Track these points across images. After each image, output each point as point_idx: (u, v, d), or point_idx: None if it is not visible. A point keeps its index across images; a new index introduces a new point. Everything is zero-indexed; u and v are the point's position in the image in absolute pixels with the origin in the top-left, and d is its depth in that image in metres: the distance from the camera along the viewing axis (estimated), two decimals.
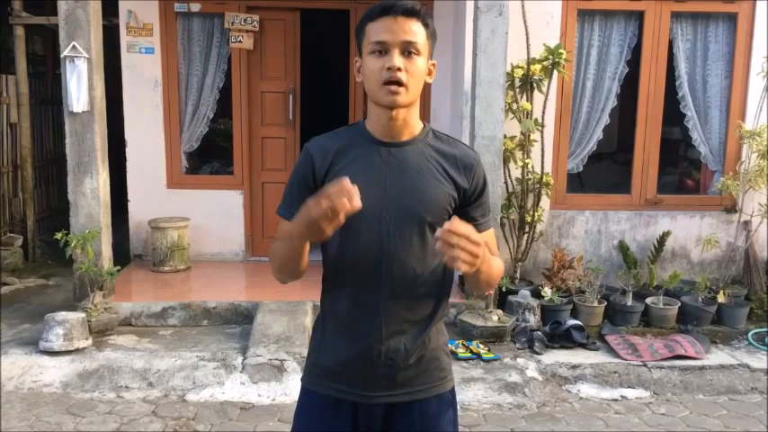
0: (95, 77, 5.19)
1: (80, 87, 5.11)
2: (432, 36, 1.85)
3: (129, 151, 6.61)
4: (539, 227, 5.84)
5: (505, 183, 5.68)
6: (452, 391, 2.01)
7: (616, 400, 4.56)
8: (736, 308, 5.52)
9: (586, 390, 4.64)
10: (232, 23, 6.46)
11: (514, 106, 5.59)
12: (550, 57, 5.51)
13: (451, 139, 1.96)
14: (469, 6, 5.48)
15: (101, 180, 5.28)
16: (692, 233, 6.09)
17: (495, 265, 1.88)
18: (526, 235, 5.76)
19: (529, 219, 5.69)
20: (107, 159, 5.44)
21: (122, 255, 6.37)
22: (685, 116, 6.15)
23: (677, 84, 6.11)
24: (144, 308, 5.38)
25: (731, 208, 6.02)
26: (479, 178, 1.92)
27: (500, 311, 5.34)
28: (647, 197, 6.14)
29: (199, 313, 5.40)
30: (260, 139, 6.82)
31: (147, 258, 6.58)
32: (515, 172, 5.73)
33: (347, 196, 1.59)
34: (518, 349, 5.06)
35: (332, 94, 8.31)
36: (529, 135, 5.60)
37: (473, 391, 4.44)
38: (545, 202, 5.89)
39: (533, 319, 5.31)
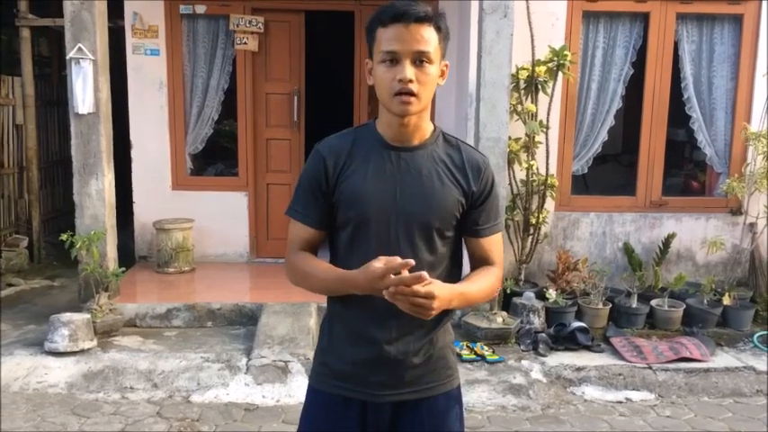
0: (101, 79, 5.21)
1: (86, 89, 5.12)
2: (444, 38, 1.83)
3: (134, 153, 6.63)
4: (543, 229, 5.83)
5: (510, 184, 5.67)
6: (459, 388, 2.03)
7: (621, 402, 4.55)
8: (741, 310, 5.50)
9: (591, 392, 4.63)
10: (237, 25, 6.47)
11: (519, 108, 5.59)
12: (555, 58, 5.50)
13: (461, 142, 1.96)
14: (474, 8, 5.47)
15: (106, 181, 5.29)
16: (697, 235, 6.07)
17: (478, 291, 1.88)
18: (531, 237, 5.75)
19: (533, 220, 5.68)
20: (112, 161, 5.45)
21: (127, 256, 6.39)
22: (691, 118, 6.13)
23: (682, 85, 6.09)
24: (149, 309, 5.39)
25: (737, 210, 6.00)
26: (487, 182, 1.93)
27: (504, 313, 5.34)
28: (652, 199, 6.12)
29: (203, 314, 5.41)
30: (265, 140, 6.83)
31: (152, 259, 6.59)
32: (520, 174, 5.72)
33: (401, 269, 1.66)
34: (522, 351, 5.05)
35: (337, 95, 8.31)
36: (534, 137, 5.59)
37: (477, 393, 4.43)
38: (550, 204, 5.87)
39: (538, 321, 5.30)
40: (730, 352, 5.22)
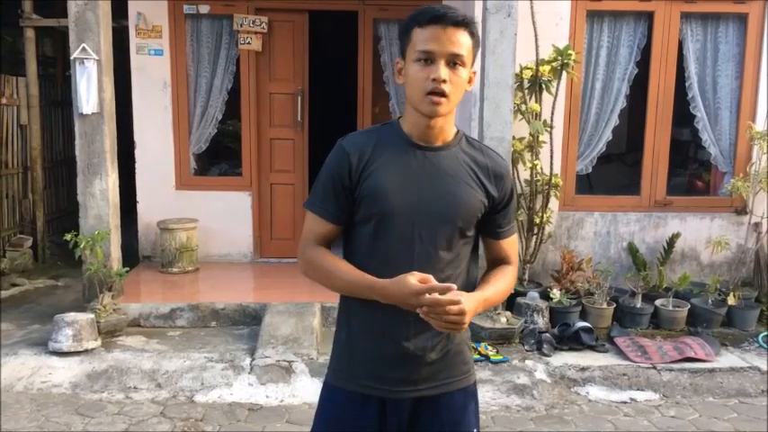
0: (105, 79, 5.22)
1: (90, 89, 5.13)
2: (476, 45, 1.87)
3: (138, 153, 6.64)
4: (547, 228, 5.82)
5: (514, 184, 5.65)
6: (475, 384, 2.06)
7: (625, 402, 4.53)
8: (746, 310, 5.48)
9: (595, 392, 4.62)
10: (241, 25, 6.48)
11: (523, 107, 5.58)
12: (559, 58, 5.49)
13: (484, 146, 2.01)
14: (478, 7, 5.46)
15: (110, 181, 5.30)
16: (701, 235, 6.05)
17: (498, 293, 1.96)
18: (535, 236, 5.74)
19: (538, 220, 5.67)
20: (116, 161, 5.46)
21: (131, 256, 6.40)
22: (695, 117, 6.12)
23: (687, 84, 6.07)
24: (152, 309, 5.40)
25: (741, 209, 5.98)
26: (508, 187, 1.98)
27: (508, 313, 5.33)
28: (656, 198, 6.11)
29: (207, 314, 5.41)
30: (268, 140, 6.83)
31: (156, 259, 6.60)
32: (524, 173, 5.72)
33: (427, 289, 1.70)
34: (527, 351, 5.04)
35: (341, 95, 8.30)
36: (538, 136, 5.58)
37: (481, 393, 4.41)
38: (554, 204, 5.87)
39: (542, 321, 5.29)
40: (735, 352, 5.20)
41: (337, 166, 1.90)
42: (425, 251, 1.85)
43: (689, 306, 5.50)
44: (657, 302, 5.52)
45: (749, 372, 4.85)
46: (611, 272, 5.67)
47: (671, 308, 5.48)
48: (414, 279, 1.72)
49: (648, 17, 5.94)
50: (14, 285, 6.41)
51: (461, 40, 1.80)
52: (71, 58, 5.16)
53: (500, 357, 4.87)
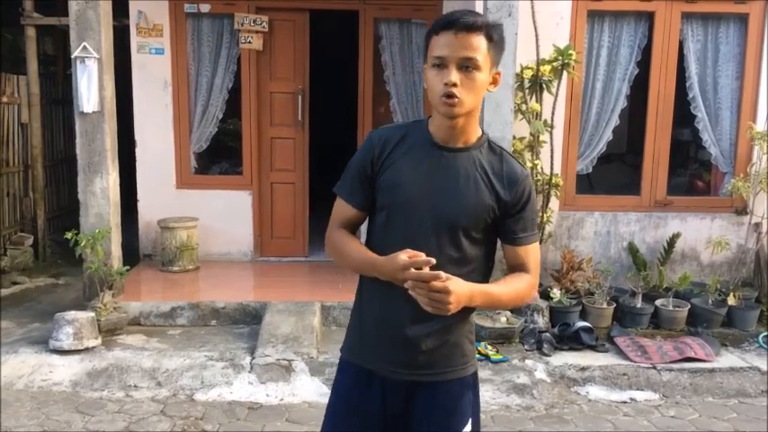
0: (106, 78, 5.22)
1: (90, 88, 5.14)
2: (496, 46, 1.91)
3: (138, 151, 6.64)
4: (548, 228, 5.83)
5: (533, 193, 5.64)
6: (474, 375, 2.13)
7: (625, 402, 4.54)
8: (746, 310, 5.48)
9: (595, 392, 4.63)
10: (242, 24, 6.48)
11: (524, 107, 5.58)
12: (560, 58, 5.49)
13: (505, 152, 2.05)
14: (479, 7, 5.46)
15: (111, 180, 5.31)
16: (702, 235, 6.05)
17: (504, 293, 1.97)
18: None
19: (538, 220, 5.67)
20: (117, 159, 5.47)
21: (132, 254, 6.40)
22: (696, 117, 6.11)
23: (688, 85, 6.07)
24: (153, 307, 5.40)
25: (742, 210, 5.98)
26: (523, 194, 2.01)
27: (508, 313, 5.32)
28: (656, 199, 6.11)
29: (207, 313, 5.41)
30: (269, 139, 6.83)
31: (157, 258, 6.61)
32: None
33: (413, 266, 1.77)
34: (526, 351, 5.05)
35: (341, 94, 8.31)
36: (538, 136, 5.58)
37: (481, 393, 4.40)
38: (554, 204, 5.87)
39: (542, 321, 5.30)
40: (735, 352, 5.20)
41: (363, 156, 2.02)
42: (429, 246, 1.89)
43: (689, 306, 5.50)
44: (657, 302, 5.52)
45: (749, 372, 4.85)
46: (612, 272, 5.67)
47: (671, 308, 5.48)
48: (404, 255, 1.80)
49: (649, 17, 5.94)
50: (15, 283, 6.42)
51: (474, 44, 1.85)
52: (72, 56, 5.17)
53: (500, 357, 4.87)
